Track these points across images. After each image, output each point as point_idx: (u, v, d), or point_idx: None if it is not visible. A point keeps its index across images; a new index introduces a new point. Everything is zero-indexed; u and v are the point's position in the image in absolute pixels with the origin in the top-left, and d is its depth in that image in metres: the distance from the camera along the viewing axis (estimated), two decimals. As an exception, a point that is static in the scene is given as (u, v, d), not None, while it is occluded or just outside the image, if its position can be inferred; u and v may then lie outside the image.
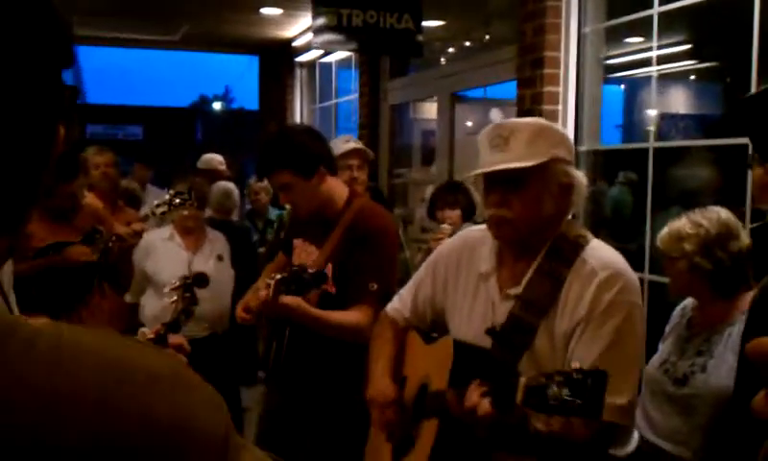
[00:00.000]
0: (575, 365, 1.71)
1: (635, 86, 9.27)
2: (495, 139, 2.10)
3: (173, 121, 30.36)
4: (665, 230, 2.81)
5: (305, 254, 3.20)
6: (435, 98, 6.77)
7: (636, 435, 2.40)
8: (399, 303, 2.55)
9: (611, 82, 8.73)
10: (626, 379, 2.00)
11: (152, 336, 2.11)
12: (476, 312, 2.23)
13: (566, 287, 2.07)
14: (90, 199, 4.94)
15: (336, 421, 3.08)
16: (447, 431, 2.10)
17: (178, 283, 2.34)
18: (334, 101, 9.24)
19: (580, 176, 2.16)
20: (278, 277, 2.90)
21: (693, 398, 2.64)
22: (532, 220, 2.10)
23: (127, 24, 9.00)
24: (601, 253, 2.13)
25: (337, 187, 3.19)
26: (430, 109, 7.16)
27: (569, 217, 2.21)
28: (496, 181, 2.12)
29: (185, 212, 4.32)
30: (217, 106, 40.09)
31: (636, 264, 4.16)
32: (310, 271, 2.79)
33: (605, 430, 1.98)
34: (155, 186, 7.53)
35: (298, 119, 10.04)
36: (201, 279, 2.42)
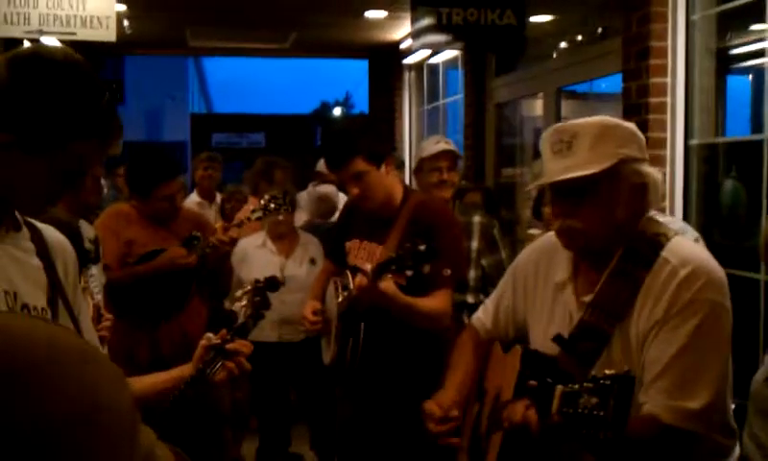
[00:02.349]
0: (608, 371, 1.58)
1: (761, 76, 8.73)
2: (557, 144, 1.96)
3: (294, 128, 30.96)
4: None
5: (365, 252, 3.20)
6: (541, 94, 6.56)
7: (737, 451, 2.18)
8: (483, 314, 2.46)
9: (737, 72, 8.25)
10: (702, 383, 1.83)
11: (218, 341, 2.08)
12: (555, 323, 2.11)
13: (644, 289, 1.92)
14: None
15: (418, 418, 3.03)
16: (510, 444, 1.98)
17: (249, 287, 2.32)
18: (441, 102, 9.14)
19: (654, 173, 1.99)
20: (378, 262, 2.92)
21: None
22: (602, 228, 1.95)
23: (238, 33, 9.18)
24: (683, 249, 1.95)
25: (396, 183, 3.23)
26: (537, 107, 6.96)
27: (648, 215, 2.04)
28: (562, 191, 1.98)
29: (280, 217, 4.34)
30: (337, 111, 40.62)
31: (752, 264, 3.88)
32: (421, 247, 2.75)
33: (674, 435, 1.82)
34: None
35: (406, 122, 10.01)
36: (273, 284, 2.38)
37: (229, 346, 1.99)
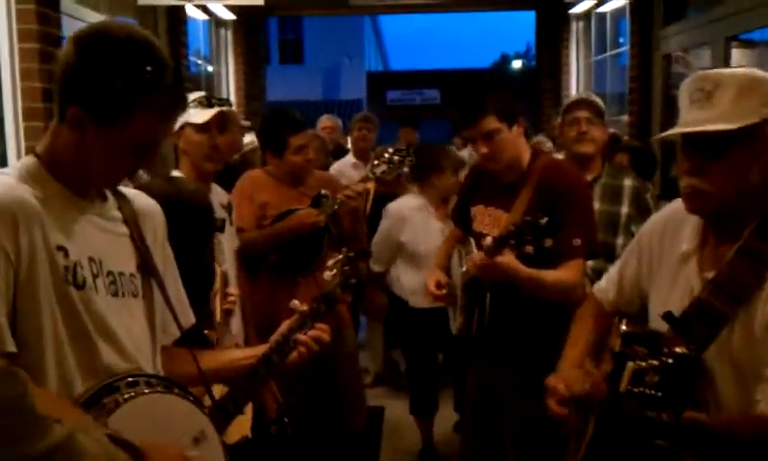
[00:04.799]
0: (678, 349, 1.43)
1: None
2: (696, 93, 1.78)
3: (472, 84, 30.75)
4: None
5: (491, 219, 3.09)
6: (710, 44, 6.08)
7: None
8: (606, 284, 2.30)
9: None
10: None
11: (305, 309, 2.08)
12: (674, 298, 1.92)
13: None
14: None
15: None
16: (602, 424, 1.85)
17: (340, 256, 2.30)
18: (609, 53, 8.71)
19: None
20: (496, 235, 2.82)
21: None
22: (733, 194, 1.75)
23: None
24: None
25: (525, 146, 3.10)
26: (709, 57, 6.46)
27: None
28: (694, 145, 1.78)
29: (405, 169, 4.30)
30: (517, 64, 39.89)
31: None
32: (542, 220, 2.64)
33: None
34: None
35: (573, 74, 9.64)
36: (363, 253, 2.36)
37: (302, 338, 2.02)
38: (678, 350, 1.54)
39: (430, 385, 4.91)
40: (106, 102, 1.53)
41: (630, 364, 1.59)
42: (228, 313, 3.04)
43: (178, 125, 3.13)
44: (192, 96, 3.18)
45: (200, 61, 8.81)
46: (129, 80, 1.53)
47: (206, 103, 3.21)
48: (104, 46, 1.54)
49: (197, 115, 3.15)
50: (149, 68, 1.54)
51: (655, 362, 1.54)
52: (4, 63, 4.05)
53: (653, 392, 1.52)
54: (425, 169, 4.76)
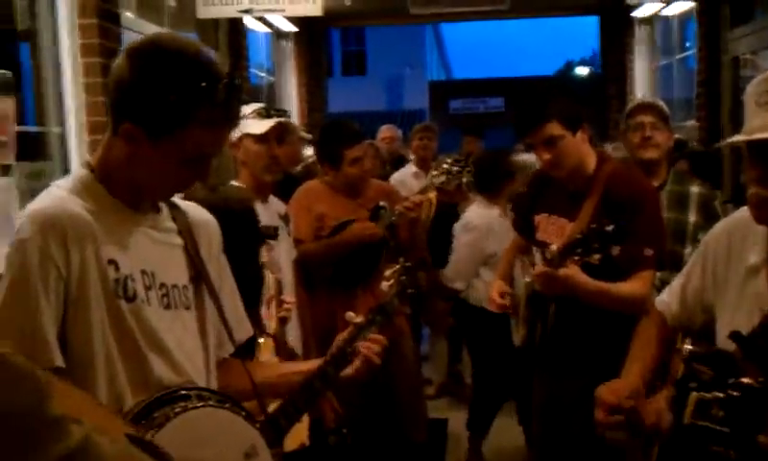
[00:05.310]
0: (745, 380, 1.33)
1: None
2: (764, 96, 1.70)
3: (534, 90, 30.38)
4: None
5: (555, 227, 2.99)
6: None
7: None
8: (669, 296, 2.21)
9: None
10: None
11: (360, 321, 2.04)
12: (741, 314, 1.83)
13: None
14: None
15: None
16: (666, 453, 1.77)
17: (397, 266, 2.25)
18: (676, 57, 8.52)
19: None
20: (560, 245, 2.72)
21: None
22: None
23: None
24: None
25: (590, 152, 2.99)
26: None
27: None
28: (760, 152, 1.71)
29: (464, 179, 4.26)
30: (582, 70, 39.33)
31: None
32: (608, 228, 2.54)
33: None
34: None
35: (638, 79, 9.45)
36: (423, 263, 2.31)
37: (357, 350, 1.96)
38: (745, 381, 1.44)
39: (493, 404, 4.83)
40: (158, 117, 1.51)
41: (693, 395, 1.51)
42: (283, 321, 3.04)
43: (236, 136, 3.14)
44: (250, 107, 3.19)
45: (261, 74, 8.88)
46: (181, 94, 1.50)
47: (265, 114, 3.22)
48: (156, 60, 1.53)
49: (255, 126, 3.16)
50: (201, 82, 1.51)
51: (720, 395, 1.45)
52: (67, 78, 4.12)
53: (719, 427, 1.43)
54: (499, 178, 4.73)
